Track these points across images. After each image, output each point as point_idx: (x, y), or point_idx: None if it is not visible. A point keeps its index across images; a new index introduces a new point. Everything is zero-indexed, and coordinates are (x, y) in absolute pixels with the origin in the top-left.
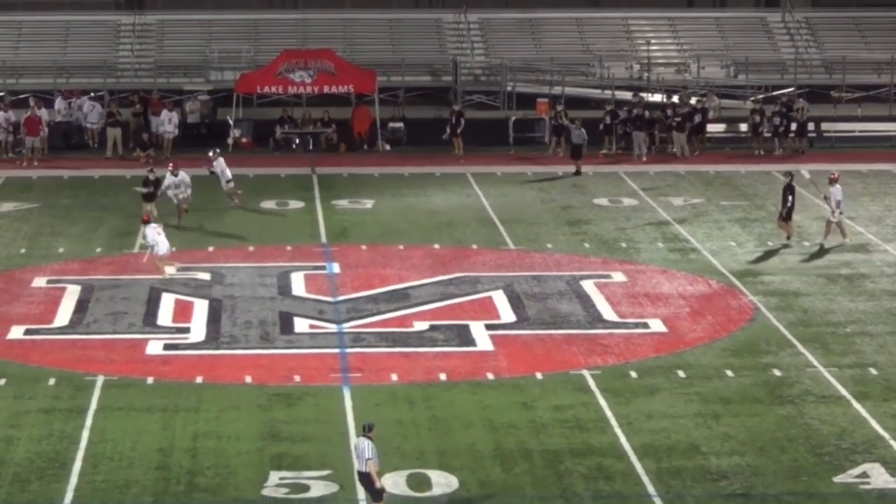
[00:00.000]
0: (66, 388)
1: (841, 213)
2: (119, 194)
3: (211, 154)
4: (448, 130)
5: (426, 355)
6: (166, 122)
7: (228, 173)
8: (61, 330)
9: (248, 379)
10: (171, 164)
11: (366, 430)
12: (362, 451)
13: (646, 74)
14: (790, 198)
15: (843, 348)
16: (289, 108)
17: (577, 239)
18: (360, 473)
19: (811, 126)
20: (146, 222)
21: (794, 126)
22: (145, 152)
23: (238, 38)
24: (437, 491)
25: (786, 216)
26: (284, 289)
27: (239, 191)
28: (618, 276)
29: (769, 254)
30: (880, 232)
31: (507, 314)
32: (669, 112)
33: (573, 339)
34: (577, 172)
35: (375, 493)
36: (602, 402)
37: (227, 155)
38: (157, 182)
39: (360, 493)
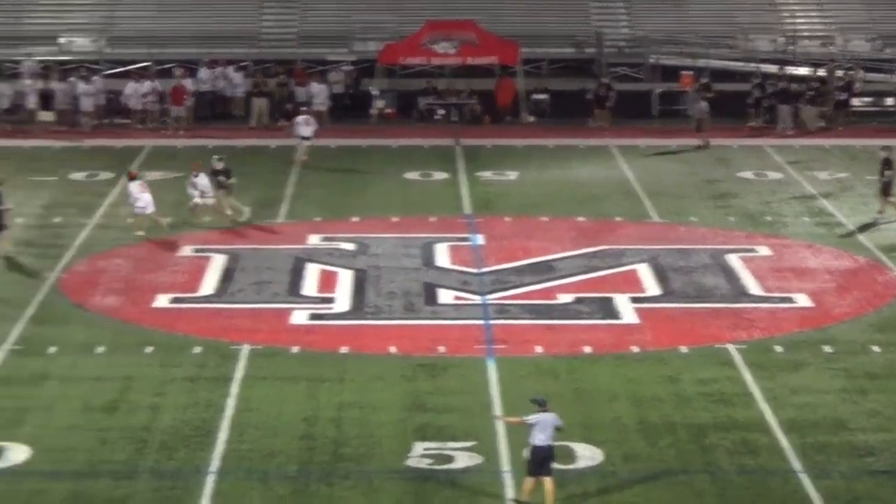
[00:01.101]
0: (212, 357)
1: None
2: (263, 164)
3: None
4: (595, 102)
5: (570, 328)
6: (319, 94)
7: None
8: (207, 299)
9: (393, 349)
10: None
11: (542, 405)
12: (548, 423)
13: (791, 47)
14: (887, 172)
15: None
16: (432, 79)
17: (721, 212)
18: (539, 448)
19: None
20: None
21: None
22: (290, 122)
23: (381, 8)
24: (581, 464)
25: (884, 191)
26: (428, 259)
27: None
28: (763, 251)
29: None
30: None
31: (651, 287)
32: (808, 85)
33: (718, 313)
34: (704, 146)
35: (549, 469)
36: (747, 376)
37: (371, 126)
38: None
39: (505, 464)
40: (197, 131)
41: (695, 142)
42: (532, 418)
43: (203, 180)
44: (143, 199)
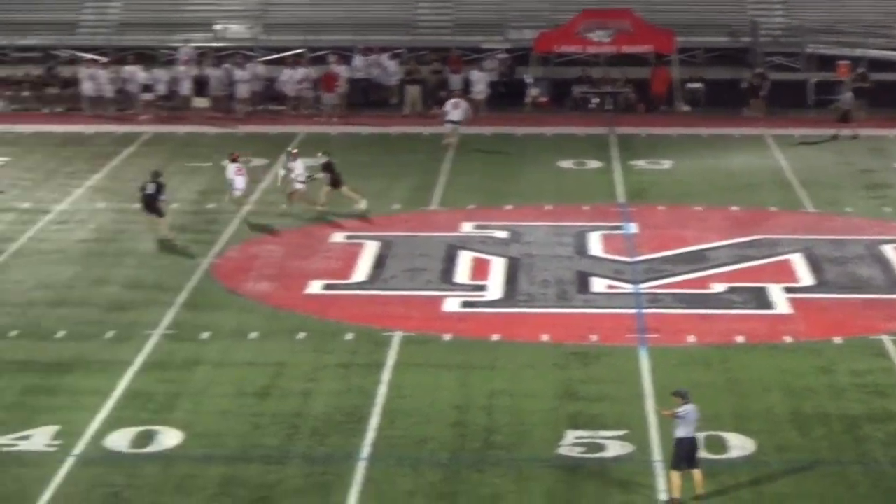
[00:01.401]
0: (364, 344)
1: None
2: (417, 151)
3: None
4: (749, 91)
5: (723, 317)
6: (478, 82)
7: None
8: (359, 285)
9: (545, 337)
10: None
11: (685, 397)
12: (693, 416)
13: None
14: None
15: None
16: (587, 67)
17: (876, 203)
18: (686, 440)
19: None
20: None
21: None
22: (442, 109)
23: None
24: (733, 454)
25: None
26: (581, 248)
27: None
28: None
29: None
30: None
31: (805, 277)
32: None
33: (872, 304)
34: (837, 137)
35: (696, 461)
36: None
37: (525, 114)
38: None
39: (656, 453)
40: (350, 118)
41: (846, 132)
42: (682, 411)
43: (299, 167)
44: (237, 181)
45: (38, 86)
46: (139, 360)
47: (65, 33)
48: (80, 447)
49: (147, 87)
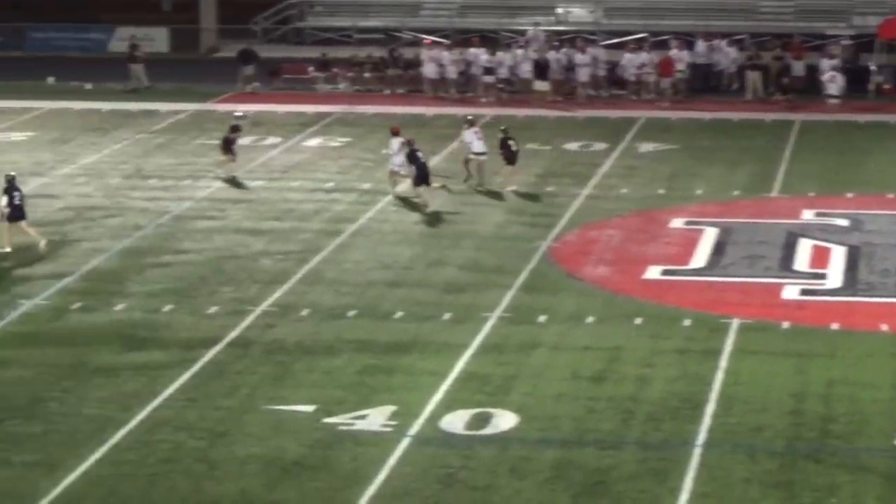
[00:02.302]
0: (701, 330)
1: None
2: (758, 137)
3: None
4: None
5: None
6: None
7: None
8: (697, 271)
9: (885, 327)
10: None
11: None
12: None
13: None
14: None
15: None
16: None
17: None
18: None
19: None
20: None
21: None
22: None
23: None
24: None
25: None
26: None
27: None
28: None
29: None
30: None
31: None
32: None
33: None
34: None
35: None
36: None
37: (869, 101)
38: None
39: None
40: (691, 103)
41: None
42: None
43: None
44: (477, 145)
45: (380, 67)
46: (476, 342)
47: (407, 15)
48: (415, 428)
49: (488, 70)
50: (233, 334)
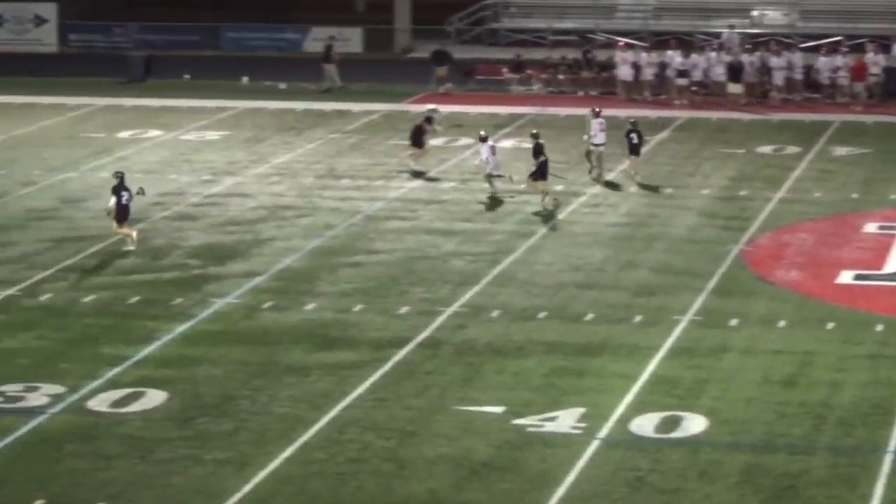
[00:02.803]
0: (894, 335)
1: None
2: None
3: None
4: None
5: None
6: None
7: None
8: (891, 276)
9: None
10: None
11: None
12: None
13: None
14: None
15: None
16: None
17: None
18: None
19: None
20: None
21: None
22: None
23: None
24: None
25: None
26: None
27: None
28: None
29: None
30: None
31: None
32: None
33: None
34: None
35: None
36: None
37: None
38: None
39: None
40: (885, 107)
41: None
42: None
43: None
44: (599, 137)
45: (574, 69)
46: (666, 345)
47: (602, 17)
48: (605, 430)
49: (682, 73)
50: (423, 335)
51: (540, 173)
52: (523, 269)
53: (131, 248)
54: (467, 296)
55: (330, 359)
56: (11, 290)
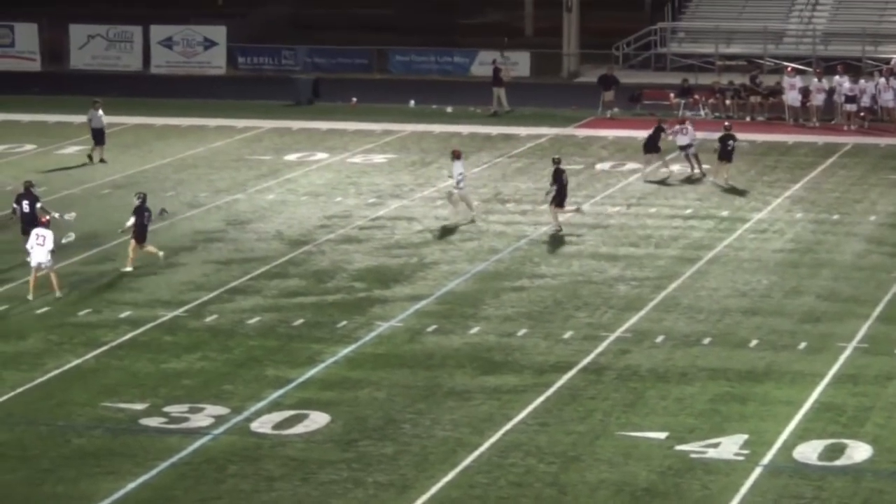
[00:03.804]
0: None
1: None
2: None
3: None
4: None
5: None
6: None
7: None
8: None
9: None
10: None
11: None
12: None
13: None
14: None
15: None
16: None
17: None
18: None
19: None
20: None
21: None
22: None
23: None
24: None
25: None
26: None
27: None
28: None
29: None
30: None
31: None
32: None
33: None
34: None
35: None
36: None
37: None
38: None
39: None
40: None
41: None
42: None
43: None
44: (680, 139)
45: (742, 94)
46: (831, 372)
47: (770, 42)
48: (768, 457)
49: (850, 98)
50: (586, 360)
51: (559, 199)
52: (688, 294)
53: (160, 257)
54: (631, 321)
55: (493, 383)
56: (177, 312)
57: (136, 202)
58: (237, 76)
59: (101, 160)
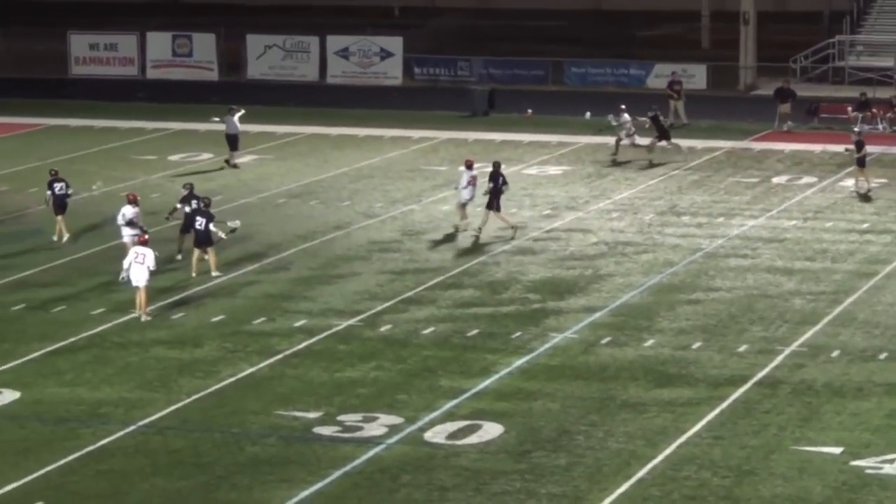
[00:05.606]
0: None
1: None
2: None
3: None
4: None
5: None
6: None
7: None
8: None
9: None
10: None
11: None
12: None
13: None
14: None
15: None
16: None
17: None
18: None
19: None
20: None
21: None
22: None
23: None
24: None
25: None
26: None
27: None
28: None
29: None
30: None
31: None
32: None
33: None
34: None
35: None
36: None
37: None
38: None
39: None
40: None
41: None
42: None
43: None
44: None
45: None
46: None
47: None
48: None
49: None
50: (761, 373)
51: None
52: (864, 309)
53: (216, 274)
54: (807, 335)
55: (667, 395)
56: (352, 321)
57: (184, 192)
58: (413, 86)
59: (234, 165)
